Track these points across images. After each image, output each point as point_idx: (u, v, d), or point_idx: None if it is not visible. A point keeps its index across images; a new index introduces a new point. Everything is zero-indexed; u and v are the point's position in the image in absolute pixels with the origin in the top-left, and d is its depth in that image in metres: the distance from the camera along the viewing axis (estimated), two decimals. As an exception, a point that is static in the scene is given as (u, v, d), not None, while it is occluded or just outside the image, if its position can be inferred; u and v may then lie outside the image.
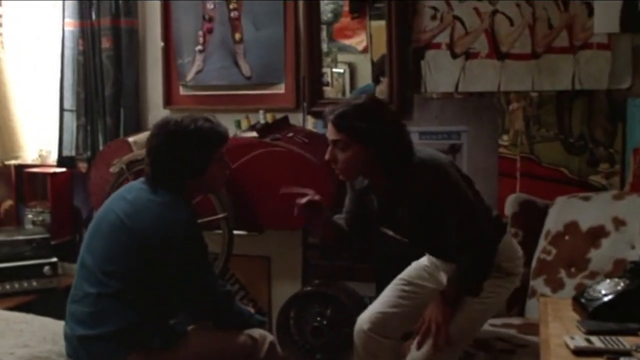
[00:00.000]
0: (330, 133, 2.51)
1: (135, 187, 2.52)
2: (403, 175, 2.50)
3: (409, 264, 2.98)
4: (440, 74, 3.57)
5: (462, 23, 3.51)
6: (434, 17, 3.55)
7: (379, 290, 3.47)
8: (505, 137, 3.50)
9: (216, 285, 2.54)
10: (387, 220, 2.76)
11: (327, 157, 2.55)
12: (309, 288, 3.68)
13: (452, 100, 3.57)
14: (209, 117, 2.51)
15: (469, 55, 3.51)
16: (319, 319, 3.55)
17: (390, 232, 3.02)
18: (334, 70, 3.82)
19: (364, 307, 3.57)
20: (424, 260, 2.89)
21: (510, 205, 3.27)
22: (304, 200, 2.60)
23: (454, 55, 3.53)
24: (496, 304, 2.69)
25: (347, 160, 2.50)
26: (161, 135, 2.45)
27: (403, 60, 3.59)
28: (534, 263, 3.15)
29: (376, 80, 3.73)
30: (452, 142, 3.58)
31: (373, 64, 3.74)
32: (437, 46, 3.55)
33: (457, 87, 3.54)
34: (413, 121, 3.60)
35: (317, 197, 2.62)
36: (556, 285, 3.05)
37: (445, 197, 2.47)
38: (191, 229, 2.42)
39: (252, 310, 2.77)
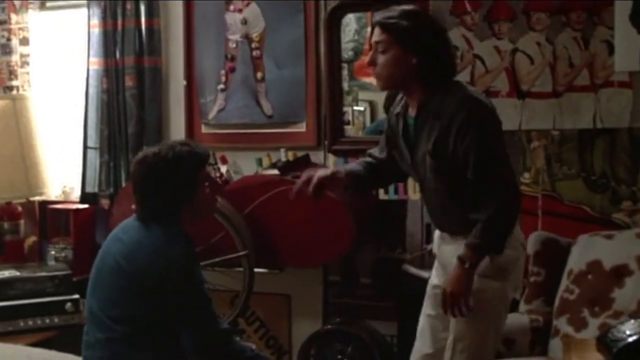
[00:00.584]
0: (374, 35, 2.44)
1: (129, 226, 2.48)
2: (440, 97, 2.40)
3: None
4: (461, 112, 3.58)
5: (483, 62, 3.54)
6: (454, 56, 3.58)
7: (401, 329, 3.47)
8: (526, 175, 3.50)
9: (215, 323, 2.46)
10: (410, 162, 2.56)
11: (367, 60, 2.47)
12: (329, 326, 3.67)
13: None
14: (186, 141, 2.52)
15: (489, 93, 3.51)
16: (339, 357, 3.53)
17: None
18: (355, 108, 3.85)
19: (385, 345, 3.57)
20: (432, 279, 2.74)
21: (532, 244, 3.25)
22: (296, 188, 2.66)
23: (475, 94, 3.55)
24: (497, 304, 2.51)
25: (385, 64, 2.42)
26: (142, 169, 2.42)
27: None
28: (556, 302, 3.12)
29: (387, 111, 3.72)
30: (474, 180, 3.58)
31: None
32: (457, 85, 3.56)
33: (477, 125, 3.54)
34: (434, 159, 3.60)
35: (319, 177, 2.61)
36: (579, 325, 3.02)
37: (473, 138, 2.32)
38: (187, 265, 2.36)
39: (253, 347, 2.72)
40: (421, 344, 2.72)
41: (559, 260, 3.20)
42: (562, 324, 3.06)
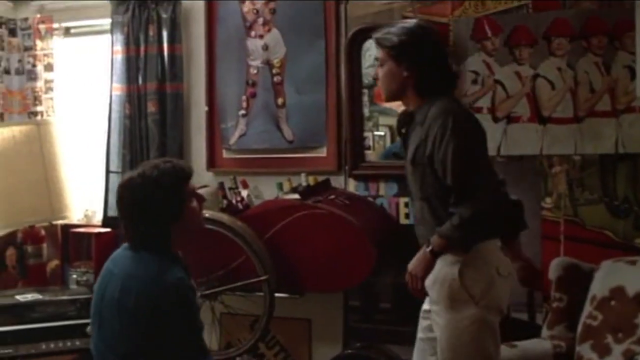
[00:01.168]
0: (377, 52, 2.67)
1: (119, 257, 2.43)
2: (427, 108, 2.55)
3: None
4: (482, 137, 3.58)
5: (504, 87, 3.54)
6: (474, 82, 3.59)
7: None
8: (548, 200, 3.48)
9: (207, 356, 2.40)
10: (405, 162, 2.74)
11: (372, 75, 2.74)
12: (350, 351, 3.66)
13: (494, 163, 3.56)
14: (168, 159, 2.49)
15: (510, 119, 3.52)
16: (358, 382, 3.52)
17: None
18: (376, 133, 3.85)
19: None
20: (424, 304, 2.79)
21: (554, 270, 3.23)
22: None
23: (496, 119, 3.55)
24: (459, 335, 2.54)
25: (382, 77, 2.65)
26: (130, 192, 2.37)
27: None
28: (579, 328, 3.09)
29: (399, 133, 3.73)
30: (495, 205, 3.57)
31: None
32: (479, 110, 3.55)
33: (499, 150, 3.54)
34: (454, 184, 3.60)
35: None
36: (603, 351, 2.98)
37: (449, 145, 2.46)
38: (180, 293, 2.30)
39: None
40: None
41: (582, 286, 3.17)
42: (585, 350, 3.03)
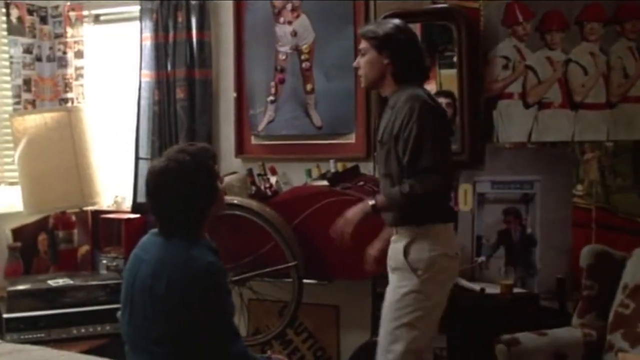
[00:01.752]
0: (360, 44, 2.95)
1: (149, 244, 2.44)
2: (399, 94, 2.81)
3: (482, 315, 2.94)
4: (513, 123, 3.55)
5: (535, 72, 3.50)
6: (505, 67, 3.56)
7: (451, 342, 3.44)
8: (579, 187, 3.45)
9: (236, 338, 2.40)
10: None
11: (354, 64, 2.99)
12: (377, 338, 3.64)
13: (524, 149, 3.54)
14: (189, 142, 2.53)
15: (542, 105, 3.48)
16: (387, 369, 3.50)
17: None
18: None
19: (434, 358, 3.54)
20: None
21: (585, 257, 3.20)
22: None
23: (527, 105, 3.52)
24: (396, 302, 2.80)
25: (365, 64, 2.90)
26: (165, 179, 2.36)
27: (474, 110, 3.58)
28: (611, 317, 3.06)
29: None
30: (525, 192, 3.54)
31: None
32: (510, 96, 3.54)
33: (529, 136, 3.51)
34: (484, 170, 3.58)
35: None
36: (635, 340, 2.95)
37: (413, 128, 2.68)
38: (213, 276, 2.31)
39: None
40: None
41: (613, 274, 3.14)
42: (616, 339, 3.00)
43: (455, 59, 3.62)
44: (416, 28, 3.68)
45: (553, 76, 3.47)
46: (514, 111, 3.54)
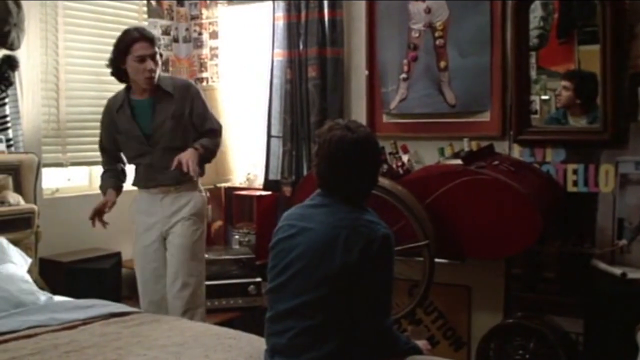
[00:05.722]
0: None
1: (309, 214, 2.38)
2: (169, 81, 3.54)
3: (623, 301, 2.81)
4: (660, 100, 3.38)
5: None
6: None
7: (588, 327, 3.33)
8: None
9: (390, 314, 2.38)
10: (140, 134, 3.50)
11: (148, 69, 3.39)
12: (510, 320, 3.57)
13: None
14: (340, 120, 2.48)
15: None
16: (521, 352, 3.43)
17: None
18: (542, 97, 3.71)
19: (569, 343, 3.44)
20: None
21: None
22: None
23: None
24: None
25: (156, 68, 3.40)
26: (363, 148, 2.33)
27: (618, 87, 3.42)
28: None
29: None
30: (673, 173, 3.37)
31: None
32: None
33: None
34: (629, 150, 3.42)
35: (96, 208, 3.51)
36: None
37: (200, 103, 3.52)
38: (388, 244, 2.29)
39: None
40: None
41: None
42: None
43: (598, 34, 3.46)
44: (554, 4, 3.57)
45: None
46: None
